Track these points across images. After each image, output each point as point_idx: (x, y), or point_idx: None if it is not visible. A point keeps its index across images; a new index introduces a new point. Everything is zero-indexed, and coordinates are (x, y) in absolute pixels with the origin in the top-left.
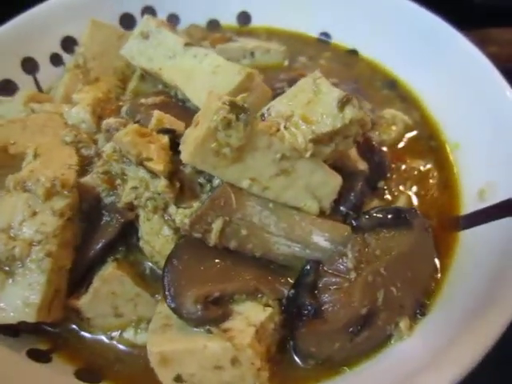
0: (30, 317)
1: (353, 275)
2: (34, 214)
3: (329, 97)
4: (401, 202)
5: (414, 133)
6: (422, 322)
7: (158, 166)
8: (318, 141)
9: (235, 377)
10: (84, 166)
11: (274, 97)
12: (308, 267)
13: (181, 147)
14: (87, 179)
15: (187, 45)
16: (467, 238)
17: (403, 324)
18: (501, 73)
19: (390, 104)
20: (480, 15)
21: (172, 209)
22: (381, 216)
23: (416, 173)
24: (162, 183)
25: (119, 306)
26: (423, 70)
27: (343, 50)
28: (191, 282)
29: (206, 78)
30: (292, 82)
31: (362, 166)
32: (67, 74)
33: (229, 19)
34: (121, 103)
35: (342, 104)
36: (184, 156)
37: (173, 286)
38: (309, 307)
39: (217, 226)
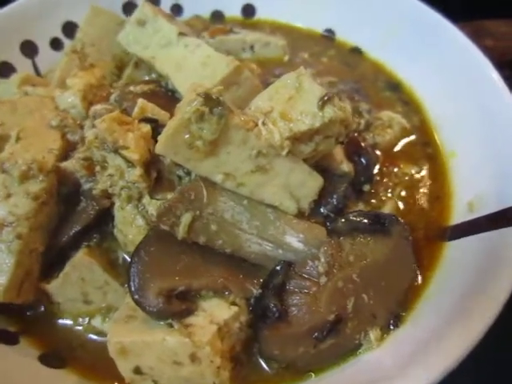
0: None
1: (323, 280)
2: (9, 195)
3: (310, 95)
4: (387, 208)
5: (411, 137)
6: (394, 333)
7: (134, 154)
8: (296, 139)
9: (194, 373)
10: (68, 151)
11: None
12: (278, 268)
13: (158, 138)
14: (67, 164)
15: (181, 34)
16: (453, 251)
17: (373, 334)
18: (496, 67)
19: (391, 106)
20: (474, 6)
21: (146, 199)
22: (358, 220)
23: (407, 178)
24: (136, 172)
25: (88, 293)
26: (427, 72)
27: (347, 48)
28: (156, 274)
29: (195, 69)
30: None
31: (348, 168)
32: (64, 58)
33: (233, 11)
34: (112, 90)
35: (323, 103)
36: (157, 146)
37: (137, 277)
38: (274, 309)
39: (185, 219)
